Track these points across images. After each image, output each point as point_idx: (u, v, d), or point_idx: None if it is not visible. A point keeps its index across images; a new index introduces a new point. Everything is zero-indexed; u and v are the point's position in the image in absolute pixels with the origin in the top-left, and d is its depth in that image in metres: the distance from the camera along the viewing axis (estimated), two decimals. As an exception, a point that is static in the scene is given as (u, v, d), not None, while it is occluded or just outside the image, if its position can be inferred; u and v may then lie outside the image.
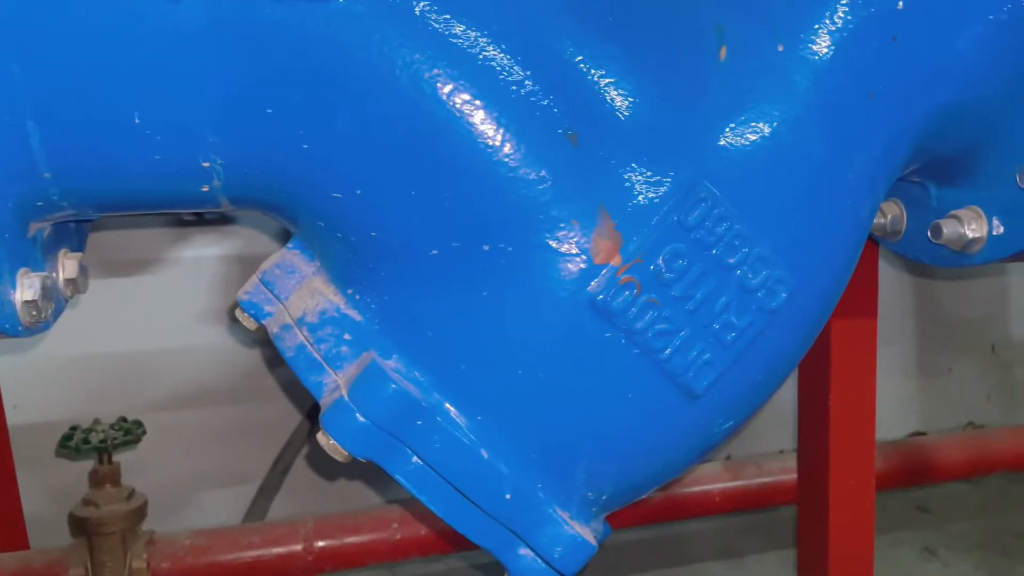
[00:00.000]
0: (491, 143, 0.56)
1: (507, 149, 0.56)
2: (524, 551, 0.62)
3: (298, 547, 1.27)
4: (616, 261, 0.57)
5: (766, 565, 1.54)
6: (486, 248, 0.58)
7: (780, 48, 0.61)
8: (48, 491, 1.40)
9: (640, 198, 0.57)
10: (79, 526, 1.17)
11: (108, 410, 1.39)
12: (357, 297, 0.63)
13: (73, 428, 1.19)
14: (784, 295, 0.60)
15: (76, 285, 0.70)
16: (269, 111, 0.55)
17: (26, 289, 0.60)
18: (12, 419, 1.33)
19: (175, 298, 1.55)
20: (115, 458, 1.20)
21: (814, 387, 1.15)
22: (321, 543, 1.28)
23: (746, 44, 0.61)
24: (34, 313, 0.61)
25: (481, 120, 0.56)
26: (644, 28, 0.61)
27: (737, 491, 1.44)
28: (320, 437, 0.59)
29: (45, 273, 0.63)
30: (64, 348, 1.43)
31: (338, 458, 0.60)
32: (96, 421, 1.23)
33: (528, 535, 0.61)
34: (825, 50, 0.62)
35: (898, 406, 1.94)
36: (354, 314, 0.63)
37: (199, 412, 1.53)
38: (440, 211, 0.58)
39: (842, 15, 0.62)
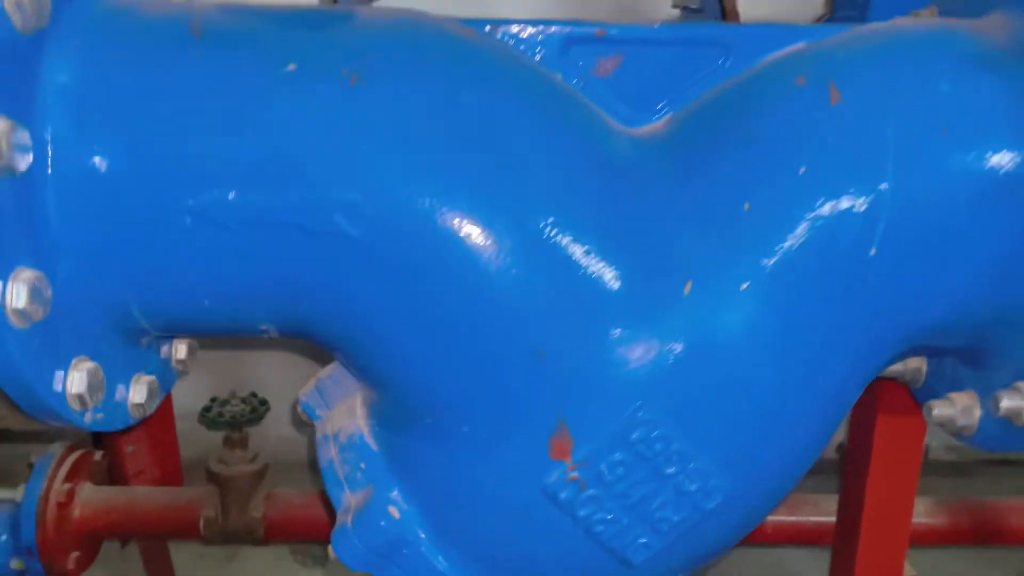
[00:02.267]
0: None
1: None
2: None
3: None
4: (567, 460, 0.68)
5: None
6: (466, 430, 0.71)
7: (744, 286, 0.68)
8: (196, 443, 1.71)
9: (592, 417, 0.68)
10: (213, 478, 1.44)
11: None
12: (378, 429, 0.79)
13: (213, 399, 1.45)
14: (719, 499, 0.70)
15: (186, 364, 0.90)
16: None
17: (136, 393, 0.80)
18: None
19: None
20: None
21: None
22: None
23: (709, 278, 0.68)
24: (140, 412, 0.80)
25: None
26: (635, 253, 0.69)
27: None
28: (329, 550, 0.76)
29: (153, 377, 0.82)
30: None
31: (346, 565, 0.77)
32: (232, 394, 1.48)
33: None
34: (789, 289, 0.68)
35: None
36: (372, 444, 0.79)
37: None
38: (439, 395, 0.71)
39: (813, 262, 0.68)
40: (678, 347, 0.67)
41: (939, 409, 0.80)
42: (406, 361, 0.70)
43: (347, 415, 0.82)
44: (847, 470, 1.23)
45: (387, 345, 0.70)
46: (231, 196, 0.66)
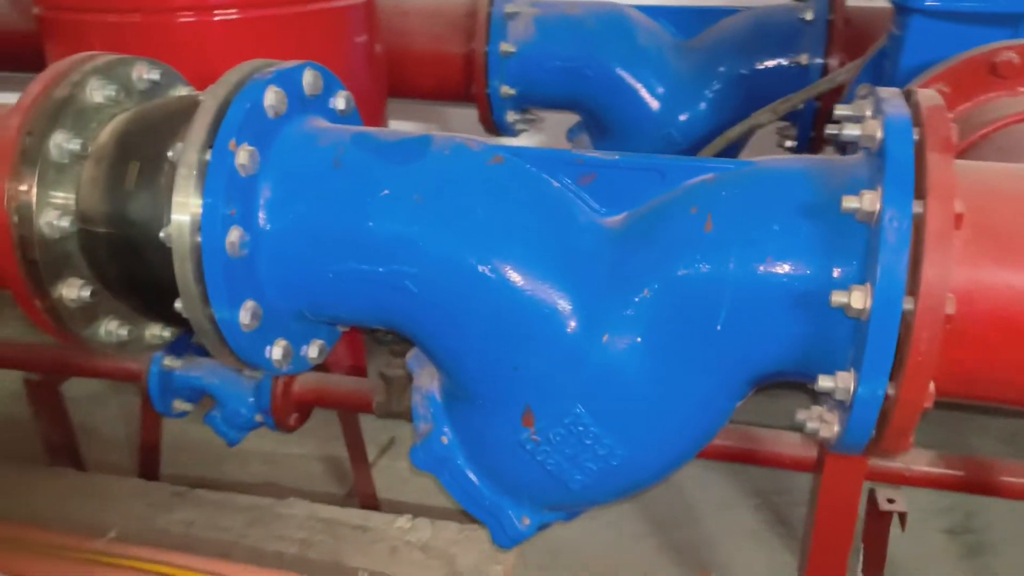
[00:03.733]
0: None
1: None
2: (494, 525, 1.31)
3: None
4: (532, 429, 1.18)
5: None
6: (480, 403, 1.22)
7: (638, 339, 1.11)
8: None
9: (546, 407, 1.16)
10: (382, 376, 2.07)
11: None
12: (442, 391, 1.32)
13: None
14: (619, 461, 1.17)
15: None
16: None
17: (312, 351, 1.38)
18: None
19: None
20: (402, 343, 2.05)
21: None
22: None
23: (619, 329, 1.12)
24: (315, 361, 1.38)
25: (479, 349, 1.18)
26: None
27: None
28: (410, 456, 1.31)
29: (322, 341, 1.40)
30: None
31: (419, 464, 1.32)
32: (395, 318, 2.08)
33: (492, 521, 1.30)
34: (668, 337, 1.11)
35: None
36: (438, 397, 1.32)
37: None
38: (466, 385, 1.22)
39: (684, 323, 1.10)
40: (596, 371, 1.13)
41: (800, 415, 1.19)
42: (445, 363, 1.22)
43: (428, 378, 1.36)
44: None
45: (434, 351, 1.22)
46: (351, 264, 1.18)
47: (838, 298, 0.97)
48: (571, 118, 2.84)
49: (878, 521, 1.91)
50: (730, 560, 2.38)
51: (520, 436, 1.20)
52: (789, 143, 2.57)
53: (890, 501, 1.89)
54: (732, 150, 2.44)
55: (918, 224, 0.95)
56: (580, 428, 1.16)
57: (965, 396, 1.10)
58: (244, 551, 2.14)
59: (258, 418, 2.18)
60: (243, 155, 1.15)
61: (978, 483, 1.87)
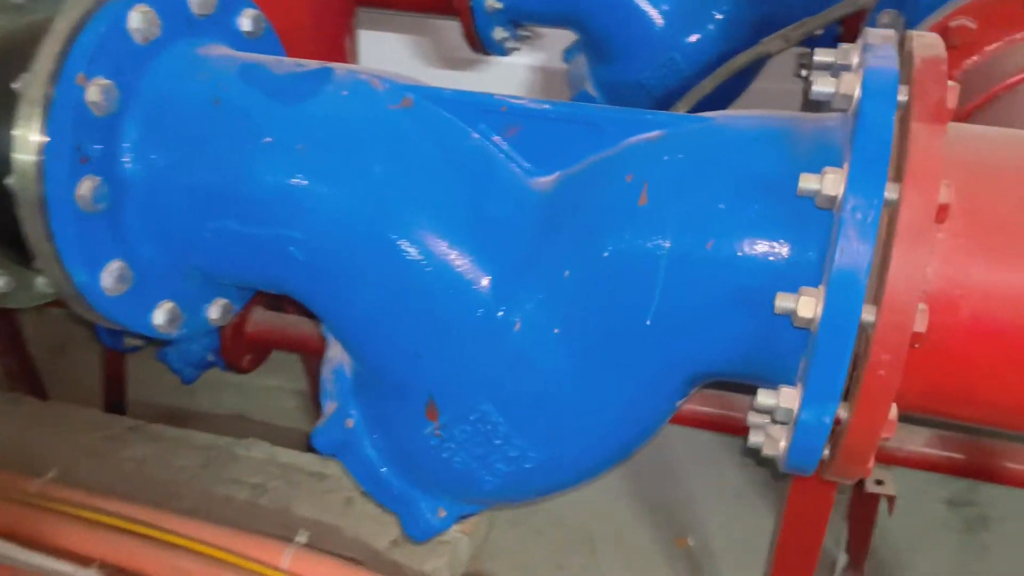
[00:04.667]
0: (379, 342, 1.02)
1: (382, 351, 1.02)
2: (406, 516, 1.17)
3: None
4: (436, 422, 1.02)
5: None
6: (384, 389, 1.06)
7: (556, 330, 0.93)
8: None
9: (450, 400, 1.00)
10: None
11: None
12: (352, 367, 1.16)
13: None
14: (534, 464, 1.00)
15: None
16: None
17: (213, 311, 1.22)
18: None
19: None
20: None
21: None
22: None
23: (535, 316, 0.94)
24: (218, 323, 1.23)
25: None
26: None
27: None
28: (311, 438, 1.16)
29: (227, 300, 1.23)
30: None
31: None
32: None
33: (403, 512, 1.15)
34: (585, 326, 0.93)
35: None
36: (348, 373, 1.16)
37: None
38: (368, 366, 1.06)
39: (607, 312, 0.91)
40: (506, 363, 0.96)
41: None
42: (344, 342, 1.06)
43: (339, 349, 1.19)
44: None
45: (331, 328, 1.05)
46: (229, 223, 1.01)
47: (783, 303, 0.78)
48: (572, 36, 2.58)
49: (864, 503, 1.75)
50: (708, 520, 2.25)
51: (424, 430, 1.04)
52: (806, 73, 2.30)
53: (878, 483, 1.72)
54: (741, 81, 2.18)
55: (892, 215, 0.75)
56: (488, 427, 1.00)
57: (945, 416, 0.91)
58: (194, 493, 2.04)
59: (209, 357, 2.06)
60: (95, 91, 0.96)
61: (977, 467, 1.69)
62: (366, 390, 1.11)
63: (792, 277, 0.82)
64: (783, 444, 0.88)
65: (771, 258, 0.83)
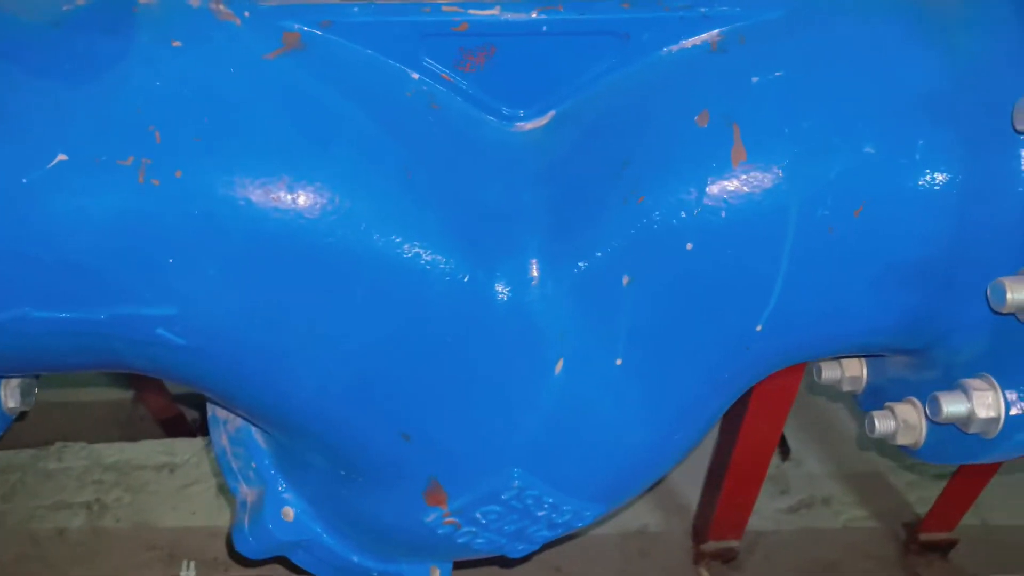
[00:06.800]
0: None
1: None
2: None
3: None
4: (443, 508, 0.70)
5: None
6: (356, 476, 0.71)
7: (618, 361, 0.63)
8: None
9: (463, 479, 0.67)
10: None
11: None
12: (267, 436, 0.78)
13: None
14: (589, 518, 0.73)
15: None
16: None
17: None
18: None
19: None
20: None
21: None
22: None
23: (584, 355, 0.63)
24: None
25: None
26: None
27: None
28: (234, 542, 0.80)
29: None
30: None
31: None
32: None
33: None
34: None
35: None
36: (260, 441, 0.79)
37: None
38: (329, 450, 0.70)
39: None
40: (548, 418, 0.65)
41: (880, 423, 0.68)
42: (264, 420, 0.68)
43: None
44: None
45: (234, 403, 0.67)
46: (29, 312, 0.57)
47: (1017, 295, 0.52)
48: None
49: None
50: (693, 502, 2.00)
51: (425, 517, 0.71)
52: None
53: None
54: None
55: None
56: (528, 501, 0.69)
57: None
58: (8, 539, 1.58)
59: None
60: None
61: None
62: (304, 467, 0.76)
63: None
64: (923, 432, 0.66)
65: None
